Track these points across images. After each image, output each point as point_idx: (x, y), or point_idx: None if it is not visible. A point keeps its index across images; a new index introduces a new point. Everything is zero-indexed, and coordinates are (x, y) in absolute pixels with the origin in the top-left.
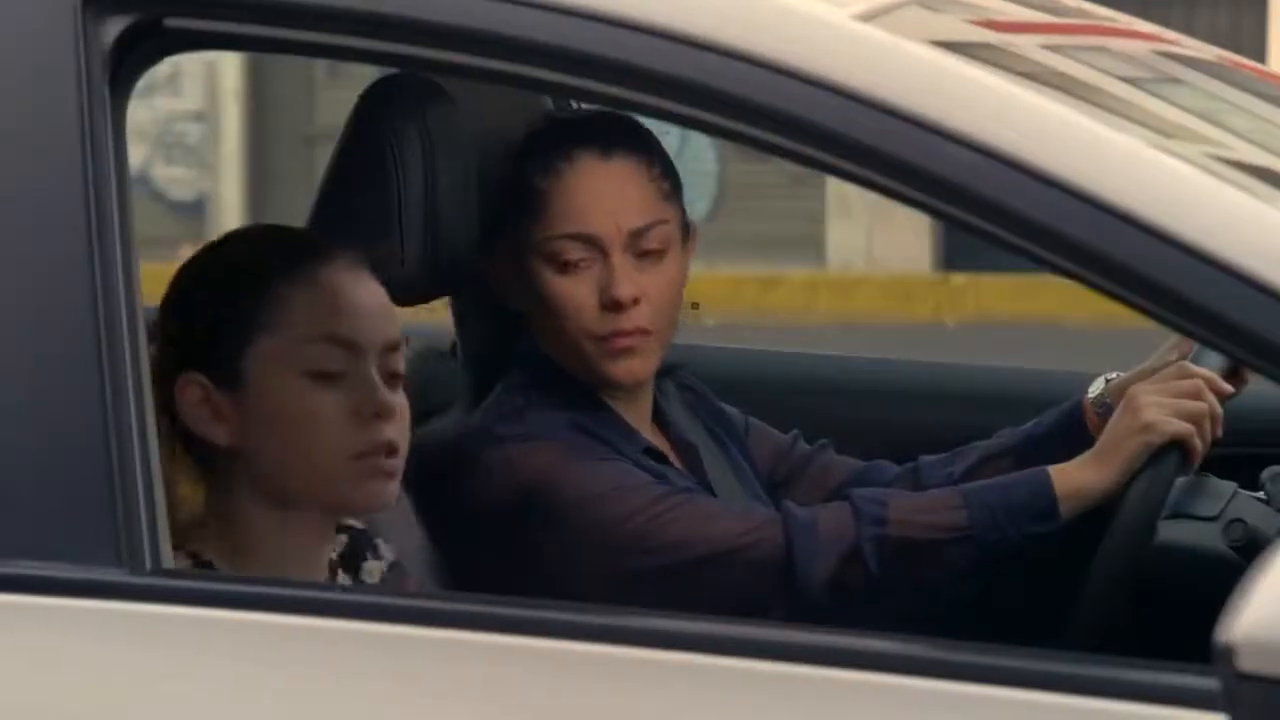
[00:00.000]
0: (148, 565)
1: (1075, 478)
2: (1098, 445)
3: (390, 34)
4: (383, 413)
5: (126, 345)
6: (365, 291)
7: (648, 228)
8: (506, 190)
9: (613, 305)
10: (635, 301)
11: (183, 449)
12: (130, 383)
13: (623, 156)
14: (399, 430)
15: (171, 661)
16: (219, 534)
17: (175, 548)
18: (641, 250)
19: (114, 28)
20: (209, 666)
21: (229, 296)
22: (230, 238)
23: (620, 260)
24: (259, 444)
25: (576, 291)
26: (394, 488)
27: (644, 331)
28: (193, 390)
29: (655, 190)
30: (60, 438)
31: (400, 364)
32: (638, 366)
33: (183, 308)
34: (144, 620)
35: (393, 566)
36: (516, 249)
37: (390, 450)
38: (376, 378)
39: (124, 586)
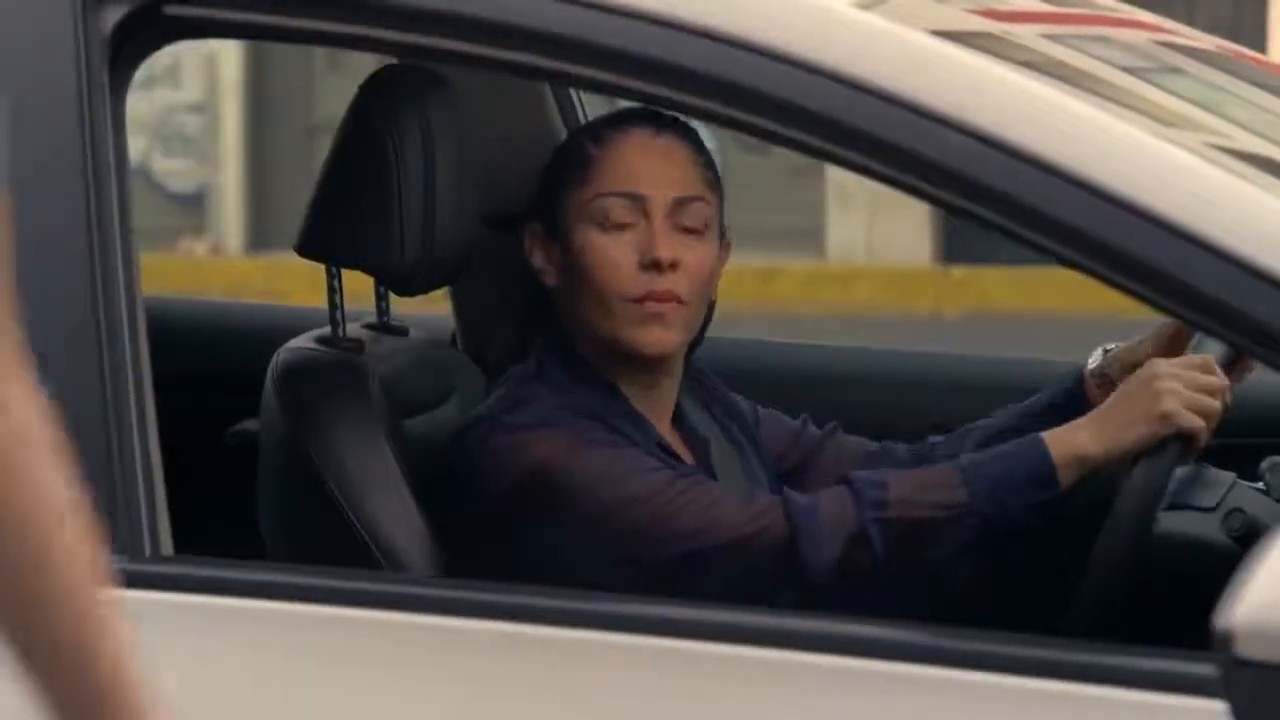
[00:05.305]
0: (147, 553)
1: (1072, 443)
2: (1102, 410)
3: (390, 21)
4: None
5: (126, 335)
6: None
7: (690, 200)
8: (555, 159)
9: (652, 265)
10: (673, 266)
11: None
12: (130, 372)
13: (672, 136)
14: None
15: (173, 648)
16: None
17: None
18: (682, 224)
19: (112, 16)
20: (211, 653)
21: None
22: None
23: (662, 224)
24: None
25: (616, 250)
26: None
27: (677, 299)
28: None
29: (699, 173)
30: (60, 428)
31: None
32: (666, 337)
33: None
34: (143, 607)
35: None
36: (556, 218)
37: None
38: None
39: (124, 574)
